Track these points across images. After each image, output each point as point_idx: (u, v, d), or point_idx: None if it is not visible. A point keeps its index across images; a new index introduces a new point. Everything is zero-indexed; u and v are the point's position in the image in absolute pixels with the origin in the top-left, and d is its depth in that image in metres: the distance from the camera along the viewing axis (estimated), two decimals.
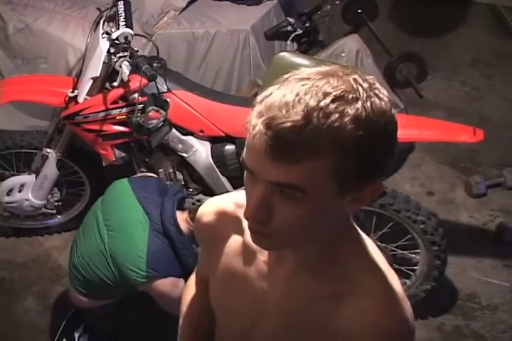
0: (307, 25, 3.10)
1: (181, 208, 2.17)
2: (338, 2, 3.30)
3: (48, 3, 3.08)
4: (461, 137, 2.39)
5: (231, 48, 3.09)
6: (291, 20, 3.08)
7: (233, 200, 1.13)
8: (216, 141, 2.55)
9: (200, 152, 2.53)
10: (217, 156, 2.53)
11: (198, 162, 2.54)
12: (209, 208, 1.19)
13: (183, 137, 2.52)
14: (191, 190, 2.64)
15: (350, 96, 0.81)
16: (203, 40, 3.08)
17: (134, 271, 2.00)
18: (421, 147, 3.49)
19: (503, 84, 4.12)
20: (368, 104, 0.81)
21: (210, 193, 2.63)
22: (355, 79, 0.83)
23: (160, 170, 2.61)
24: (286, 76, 0.86)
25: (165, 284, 1.99)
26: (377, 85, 0.86)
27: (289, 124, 0.79)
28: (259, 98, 0.86)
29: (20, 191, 2.79)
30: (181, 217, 2.11)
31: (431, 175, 3.44)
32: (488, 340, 2.65)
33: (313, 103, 0.79)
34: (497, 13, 4.71)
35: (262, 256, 1.07)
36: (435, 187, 3.37)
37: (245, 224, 1.04)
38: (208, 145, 2.55)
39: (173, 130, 2.44)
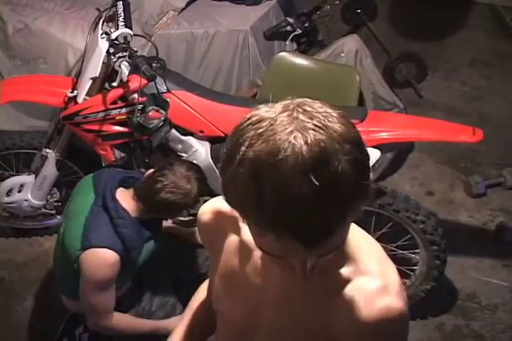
0: (306, 25, 3.10)
1: (126, 186, 2.11)
2: (337, 2, 3.30)
3: (47, 4, 3.08)
4: (460, 137, 2.39)
5: (230, 48, 3.09)
6: (291, 20, 3.09)
7: None
8: (216, 141, 2.55)
9: (200, 152, 2.53)
10: (217, 156, 2.53)
11: (198, 162, 2.54)
12: (206, 208, 1.21)
13: (183, 137, 2.52)
14: None
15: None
16: (203, 40, 3.08)
17: (71, 246, 1.96)
18: (420, 147, 3.49)
19: (502, 84, 4.12)
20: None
21: (210, 193, 2.63)
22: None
23: None
24: None
25: (99, 254, 1.90)
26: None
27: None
28: None
29: (19, 191, 2.79)
30: (125, 194, 2.06)
31: (430, 175, 3.44)
32: (488, 340, 2.65)
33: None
34: (496, 13, 4.71)
35: (258, 252, 1.07)
36: (435, 187, 3.38)
37: (241, 222, 1.06)
38: (207, 145, 2.55)
39: (173, 130, 2.44)
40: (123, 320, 2.11)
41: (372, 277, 0.98)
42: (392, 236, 2.54)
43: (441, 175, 3.45)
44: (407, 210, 2.42)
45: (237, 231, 1.12)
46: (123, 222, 1.97)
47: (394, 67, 3.65)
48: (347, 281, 0.98)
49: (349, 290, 0.98)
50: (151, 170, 2.06)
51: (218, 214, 1.16)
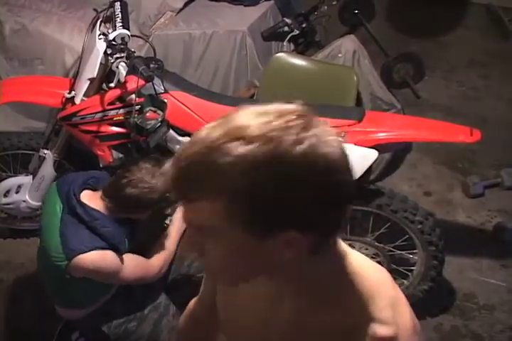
0: (304, 25, 3.10)
1: (92, 188, 2.10)
2: (334, 3, 3.30)
3: (44, 5, 3.08)
4: (458, 137, 2.40)
5: (228, 49, 3.09)
6: (288, 20, 3.09)
7: None
8: None
9: None
10: None
11: None
12: None
13: (180, 138, 2.51)
14: None
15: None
16: (200, 41, 3.08)
17: (55, 258, 1.95)
18: (418, 147, 3.49)
19: (500, 84, 4.13)
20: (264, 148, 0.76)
21: None
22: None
23: None
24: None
25: (90, 258, 1.91)
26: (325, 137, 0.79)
27: (182, 162, 0.79)
28: None
29: (17, 192, 2.79)
30: (93, 196, 2.05)
31: (428, 176, 3.45)
32: (486, 340, 2.65)
33: (210, 140, 0.78)
34: (494, 13, 4.71)
35: (263, 286, 1.03)
36: (432, 187, 3.38)
37: None
38: None
39: (170, 131, 2.44)
40: (161, 256, 2.18)
41: (385, 324, 0.91)
42: (390, 237, 2.54)
43: (439, 175, 3.45)
44: (405, 211, 2.42)
45: None
46: (99, 222, 1.97)
47: (391, 68, 3.65)
48: (360, 324, 0.92)
49: (361, 335, 0.91)
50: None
51: None
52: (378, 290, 0.94)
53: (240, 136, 0.76)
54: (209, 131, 0.80)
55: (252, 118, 0.79)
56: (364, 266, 0.97)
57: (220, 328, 1.23)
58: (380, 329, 0.90)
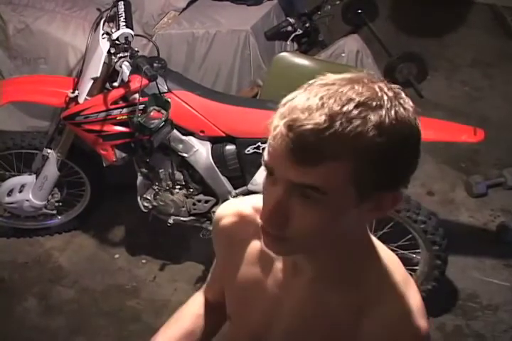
0: (307, 25, 3.09)
1: None
2: (338, 2, 3.29)
3: (48, 4, 3.07)
4: (461, 137, 2.39)
5: (231, 48, 3.08)
6: (292, 20, 3.08)
7: (251, 204, 1.12)
8: (217, 142, 2.55)
9: (201, 152, 2.53)
10: (218, 156, 2.53)
11: (199, 162, 2.54)
12: (228, 210, 1.16)
13: (184, 137, 2.52)
14: (191, 190, 2.64)
15: (374, 103, 0.81)
16: (203, 41, 3.07)
17: None
18: (421, 147, 3.47)
19: (503, 84, 4.12)
20: (392, 112, 0.81)
21: (211, 193, 2.63)
22: (380, 87, 0.84)
23: (160, 171, 2.61)
24: (311, 81, 0.87)
25: None
26: (403, 95, 0.86)
27: (310, 126, 0.79)
28: (283, 101, 0.86)
29: (20, 191, 2.79)
30: None
31: (431, 175, 3.44)
32: (489, 340, 2.65)
33: (336, 107, 0.80)
34: (497, 13, 4.71)
35: (279, 263, 1.07)
36: (435, 187, 3.37)
37: None
38: (208, 145, 2.55)
39: (174, 130, 2.44)
40: None
41: (396, 293, 0.97)
42: (393, 236, 2.54)
43: (442, 175, 3.45)
44: (408, 210, 2.42)
45: (259, 238, 1.07)
46: None
47: (395, 67, 3.64)
48: (371, 297, 0.97)
49: (373, 306, 0.96)
50: None
51: (240, 218, 1.13)
52: (394, 270, 1.00)
53: (372, 105, 0.81)
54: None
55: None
56: (381, 245, 1.03)
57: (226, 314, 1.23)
58: (392, 307, 0.95)
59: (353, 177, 0.81)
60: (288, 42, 3.14)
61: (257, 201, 1.08)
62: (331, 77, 0.86)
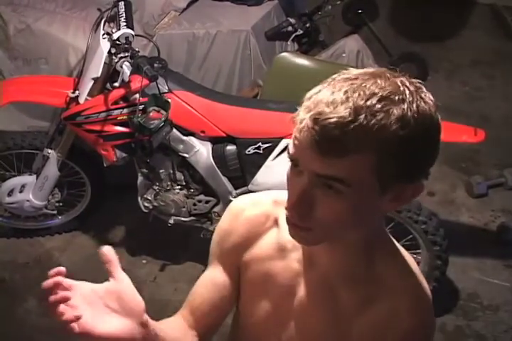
0: (308, 25, 3.10)
1: None
2: (338, 2, 3.30)
3: (48, 4, 3.08)
4: (462, 137, 2.39)
5: (232, 49, 3.09)
6: (292, 20, 3.08)
7: (272, 197, 1.14)
8: (217, 142, 2.54)
9: (201, 152, 2.53)
10: (218, 156, 2.53)
11: (199, 162, 2.54)
12: (247, 201, 1.17)
13: (184, 137, 2.52)
14: (192, 190, 2.64)
15: (397, 97, 0.84)
16: (204, 41, 3.08)
17: None
18: None
19: (503, 84, 4.12)
20: (414, 106, 0.84)
21: (211, 194, 2.63)
22: (402, 82, 0.86)
23: (161, 171, 2.61)
24: (334, 76, 0.89)
25: None
26: (424, 89, 0.88)
27: (335, 120, 0.82)
28: (307, 95, 0.89)
29: (21, 192, 2.79)
30: None
31: (432, 176, 3.32)
32: (490, 340, 2.65)
33: (360, 101, 0.82)
34: (497, 13, 4.71)
35: (296, 255, 1.08)
36: (436, 187, 3.37)
37: (281, 221, 1.06)
38: (208, 145, 2.55)
39: (174, 130, 2.44)
40: None
41: (410, 286, 1.02)
42: (393, 237, 2.53)
43: (443, 175, 3.45)
44: (409, 211, 2.42)
45: (276, 230, 1.11)
46: None
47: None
48: (385, 291, 0.99)
49: (387, 300, 0.99)
50: None
51: (261, 210, 1.14)
52: (406, 261, 1.06)
53: (395, 99, 0.84)
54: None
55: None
56: (398, 245, 1.10)
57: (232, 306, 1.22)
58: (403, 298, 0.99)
59: (376, 169, 0.84)
60: (288, 43, 3.14)
61: (277, 195, 1.12)
62: (353, 72, 0.89)
